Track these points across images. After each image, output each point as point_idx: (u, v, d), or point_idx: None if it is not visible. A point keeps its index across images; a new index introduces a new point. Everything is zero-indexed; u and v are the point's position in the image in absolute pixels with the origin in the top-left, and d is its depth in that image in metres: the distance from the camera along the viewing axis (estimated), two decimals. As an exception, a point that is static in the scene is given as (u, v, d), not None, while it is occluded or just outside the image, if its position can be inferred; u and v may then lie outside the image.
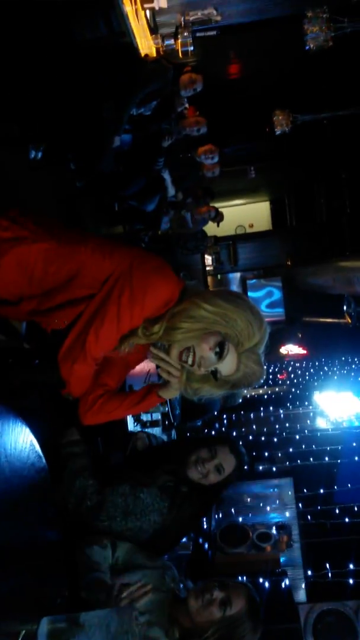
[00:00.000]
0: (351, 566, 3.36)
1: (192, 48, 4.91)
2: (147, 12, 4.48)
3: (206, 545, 3.49)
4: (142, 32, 4.14)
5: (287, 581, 3.23)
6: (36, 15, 2.88)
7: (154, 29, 4.93)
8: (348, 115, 6.85)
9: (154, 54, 4.59)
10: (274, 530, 3.75)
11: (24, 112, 3.04)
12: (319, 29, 5.46)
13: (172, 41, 4.86)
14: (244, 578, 3.14)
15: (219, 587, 1.66)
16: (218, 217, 6.03)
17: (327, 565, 3.46)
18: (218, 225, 6.43)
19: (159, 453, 2.04)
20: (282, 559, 3.68)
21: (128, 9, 3.41)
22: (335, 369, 7.19)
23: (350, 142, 7.79)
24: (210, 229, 6.94)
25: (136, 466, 1.90)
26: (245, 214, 11.85)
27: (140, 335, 1.41)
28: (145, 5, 4.27)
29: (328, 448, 4.50)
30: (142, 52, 3.88)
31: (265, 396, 6.28)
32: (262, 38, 6.64)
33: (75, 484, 1.77)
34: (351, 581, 3.31)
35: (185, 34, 4.88)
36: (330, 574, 3.39)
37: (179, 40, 4.86)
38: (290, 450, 4.62)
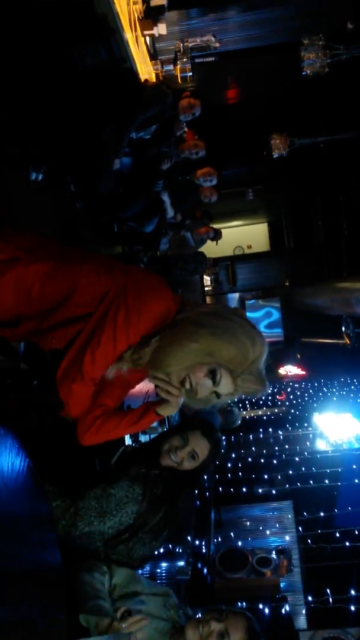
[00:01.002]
0: (352, 592, 3.31)
1: (191, 73, 5.01)
2: (147, 38, 4.58)
3: (205, 570, 3.44)
4: (142, 58, 4.23)
5: (287, 607, 3.17)
6: (38, 40, 2.94)
7: (153, 54, 5.03)
8: (344, 139, 6.96)
9: (154, 79, 4.68)
10: (273, 555, 3.71)
11: (25, 134, 3.08)
12: (315, 56, 5.59)
13: (171, 67, 4.96)
14: (244, 604, 3.08)
15: (217, 619, 1.62)
16: (217, 236, 6.08)
17: (328, 591, 3.40)
18: (217, 244, 6.47)
19: (134, 452, 2.01)
20: (282, 584, 3.63)
21: (128, 35, 3.49)
22: (334, 390, 7.17)
23: (347, 165, 7.89)
24: (209, 249, 6.99)
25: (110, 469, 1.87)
26: (244, 235, 11.95)
27: (127, 360, 1.40)
28: (145, 32, 4.37)
29: (328, 470, 4.46)
30: (142, 77, 3.96)
31: (265, 417, 6.24)
32: (259, 64, 6.79)
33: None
34: (352, 608, 3.25)
35: (184, 59, 4.98)
36: (331, 600, 3.33)
37: (178, 66, 4.95)
38: (290, 472, 4.58)
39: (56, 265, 1.43)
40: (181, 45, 5.19)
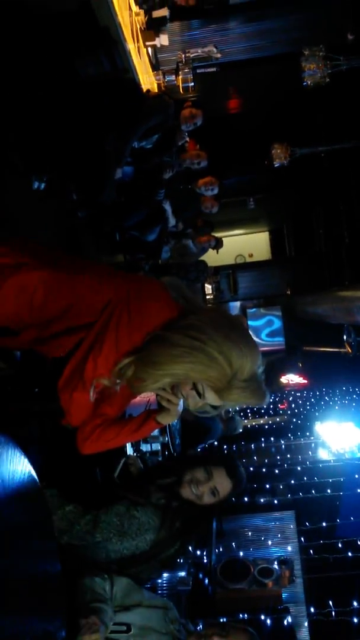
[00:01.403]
0: (355, 604, 3.28)
1: (192, 84, 5.04)
2: (149, 49, 4.62)
3: (206, 581, 3.41)
4: (144, 68, 4.26)
5: (289, 619, 3.14)
6: (42, 51, 2.97)
7: (155, 65, 5.07)
8: (345, 149, 6.99)
9: (156, 90, 4.71)
10: (275, 565, 3.68)
11: (28, 144, 3.10)
12: (316, 67, 5.63)
13: (173, 77, 4.99)
14: (245, 615, 3.06)
15: (219, 634, 1.61)
16: (218, 245, 6.10)
17: (330, 603, 3.37)
18: (217, 252, 6.49)
19: (154, 470, 2.00)
20: (284, 595, 3.60)
21: (131, 46, 3.51)
22: (336, 399, 7.15)
23: (348, 174, 7.92)
24: (210, 258, 7.00)
25: (130, 485, 1.86)
26: (245, 243, 11.98)
27: (114, 374, 1.38)
28: (148, 43, 4.41)
29: (330, 480, 4.44)
30: (144, 87, 3.99)
31: (266, 426, 6.22)
32: (260, 74, 6.84)
33: (57, 514, 1.74)
34: (355, 620, 3.21)
35: (186, 70, 5.01)
36: (334, 613, 3.30)
37: (180, 77, 4.99)
38: (292, 482, 4.56)
39: (59, 273, 1.43)
40: (183, 55, 5.24)
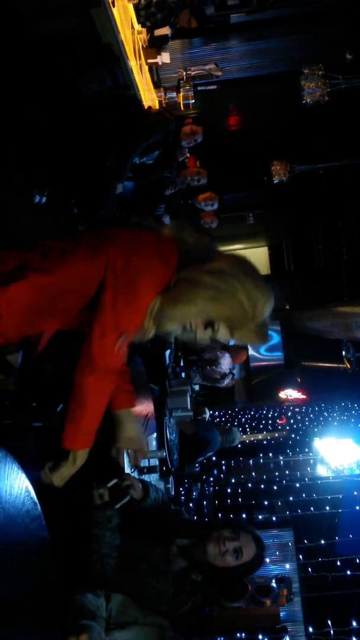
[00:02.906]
0: (354, 623, 3.23)
1: (193, 101, 5.10)
2: (151, 66, 4.68)
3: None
4: (145, 85, 4.31)
5: (287, 638, 3.10)
6: (45, 67, 3.01)
7: (157, 82, 5.13)
8: (343, 166, 7.06)
9: (157, 106, 4.76)
10: (273, 584, 3.63)
11: (29, 159, 3.13)
12: (315, 85, 5.71)
13: (174, 94, 5.04)
14: (243, 634, 3.01)
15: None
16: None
17: (329, 622, 3.32)
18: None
19: (171, 521, 2.01)
20: (282, 614, 3.54)
21: (133, 63, 3.56)
22: (335, 414, 7.12)
23: (346, 191, 7.99)
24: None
25: (146, 533, 1.86)
26: (244, 258, 12.01)
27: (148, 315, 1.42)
28: (150, 61, 4.47)
29: (329, 497, 4.40)
30: (146, 104, 4.03)
31: (265, 442, 6.19)
32: (260, 92, 6.94)
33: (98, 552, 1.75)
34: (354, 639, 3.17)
35: (187, 87, 5.07)
36: (332, 632, 3.26)
37: (181, 94, 5.04)
38: (291, 498, 4.52)
39: (44, 279, 1.42)
40: (184, 73, 5.30)
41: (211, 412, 5.58)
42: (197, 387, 5.04)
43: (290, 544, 4.11)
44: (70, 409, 1.48)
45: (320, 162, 7.23)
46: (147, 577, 1.75)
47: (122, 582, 1.73)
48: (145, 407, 2.77)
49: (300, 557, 3.94)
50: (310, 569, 3.83)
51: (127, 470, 2.13)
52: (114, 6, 2.97)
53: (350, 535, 4.02)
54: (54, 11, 2.85)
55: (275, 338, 10.15)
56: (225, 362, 4.99)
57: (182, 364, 4.64)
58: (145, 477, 2.35)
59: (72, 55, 3.02)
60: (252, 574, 2.04)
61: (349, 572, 3.67)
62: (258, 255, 12.33)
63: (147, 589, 1.73)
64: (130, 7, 3.76)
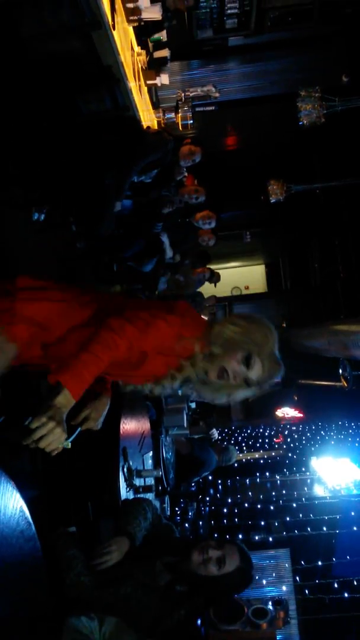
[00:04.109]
0: (352, 647, 3.19)
1: (191, 121, 5.16)
2: (151, 87, 4.75)
3: (199, 621, 3.31)
4: (144, 106, 4.37)
5: (284, 662, 3.04)
6: (46, 87, 3.05)
7: (156, 103, 5.20)
8: (339, 186, 7.13)
9: (156, 127, 4.82)
10: (270, 606, 3.58)
11: (29, 176, 3.16)
12: (312, 107, 5.79)
13: (172, 115, 5.11)
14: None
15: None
16: (214, 278, 6.16)
17: (327, 646, 3.28)
18: (215, 286, 6.55)
19: (161, 537, 2.02)
20: (278, 637, 3.49)
21: (132, 84, 3.61)
22: (332, 433, 7.09)
23: (342, 210, 8.06)
24: (208, 289, 7.06)
25: (135, 557, 1.86)
26: (242, 276, 12.06)
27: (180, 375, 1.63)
28: (149, 82, 4.53)
29: (326, 517, 4.36)
30: (145, 124, 4.08)
31: (261, 461, 6.15)
32: (258, 113, 7.04)
33: (70, 576, 1.73)
34: (352, 664, 3.12)
35: (186, 108, 5.14)
36: (330, 656, 3.21)
37: (180, 114, 5.11)
38: (287, 519, 4.48)
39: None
40: (182, 94, 5.38)
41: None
42: (193, 405, 5.02)
43: (287, 565, 4.06)
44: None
45: (316, 182, 7.30)
46: (133, 593, 1.74)
47: (108, 600, 1.71)
48: (141, 425, 2.76)
49: (297, 578, 3.89)
50: (307, 591, 3.78)
51: (123, 492, 2.11)
52: (114, 29, 3.03)
53: (348, 557, 3.97)
54: (55, 33, 2.90)
55: (272, 356, 10.13)
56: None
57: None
58: (141, 496, 2.33)
59: (72, 76, 3.07)
60: (239, 591, 2.03)
61: (346, 595, 3.62)
62: (255, 273, 12.37)
63: (133, 605, 1.72)
64: (130, 29, 3.83)
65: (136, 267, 4.37)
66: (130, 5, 3.58)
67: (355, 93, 5.92)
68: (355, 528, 4.23)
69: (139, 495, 2.37)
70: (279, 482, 5.37)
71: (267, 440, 7.00)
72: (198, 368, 1.60)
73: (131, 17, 3.64)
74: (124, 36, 3.50)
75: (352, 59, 6.81)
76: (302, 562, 3.97)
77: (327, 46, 6.92)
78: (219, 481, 5.26)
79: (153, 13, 3.78)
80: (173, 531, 2.20)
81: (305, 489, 5.28)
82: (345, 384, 7.78)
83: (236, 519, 4.60)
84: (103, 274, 4.38)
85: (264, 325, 1.66)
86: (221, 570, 1.84)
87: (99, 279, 4.26)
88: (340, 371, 7.84)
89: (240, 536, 4.21)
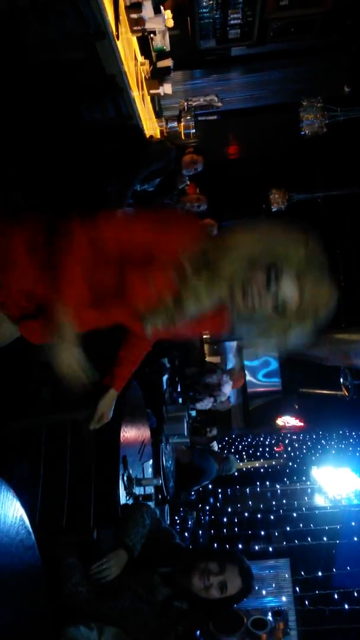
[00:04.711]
0: (352, 660, 3.16)
1: (194, 130, 5.19)
2: (153, 97, 4.78)
3: (197, 633, 3.28)
4: (147, 115, 4.40)
5: (284, 674, 3.01)
6: (51, 96, 3.07)
7: (159, 112, 5.24)
8: (341, 195, 7.15)
9: (158, 135, 4.85)
10: (269, 617, 3.55)
11: (31, 183, 3.18)
12: (314, 117, 5.82)
13: (175, 124, 5.14)
14: (238, 670, 2.92)
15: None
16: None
17: (327, 658, 3.25)
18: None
19: (160, 545, 1.99)
20: (278, 649, 3.45)
21: (135, 94, 3.64)
22: (332, 442, 7.07)
23: (344, 220, 8.08)
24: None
25: (132, 572, 1.84)
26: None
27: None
28: (152, 91, 4.57)
29: (327, 527, 4.34)
30: (147, 133, 4.11)
31: (262, 469, 6.12)
32: (260, 123, 7.07)
33: (68, 585, 1.72)
34: None
35: (188, 117, 5.17)
36: (330, 668, 3.18)
37: (182, 123, 5.14)
38: (288, 529, 4.45)
39: None
40: (185, 103, 5.42)
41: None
42: (193, 413, 5.01)
43: (287, 575, 4.03)
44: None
45: (318, 191, 7.32)
46: (130, 607, 1.72)
47: (105, 612, 1.70)
48: (141, 433, 2.75)
49: (297, 589, 3.86)
50: (307, 602, 3.75)
51: (123, 500, 2.10)
52: (118, 39, 3.05)
53: (348, 567, 3.95)
54: (60, 42, 2.93)
55: (273, 364, 10.13)
56: (227, 388, 4.97)
57: (179, 389, 4.62)
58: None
59: (76, 84, 3.09)
60: (239, 603, 2.01)
61: (346, 606, 3.59)
62: (256, 281, 12.38)
63: (131, 619, 1.71)
64: (134, 39, 3.87)
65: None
66: (134, 15, 3.62)
67: (357, 103, 5.96)
68: (355, 538, 4.20)
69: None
70: (279, 491, 5.35)
71: (267, 449, 6.97)
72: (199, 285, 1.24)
73: (135, 27, 3.68)
74: (127, 46, 3.53)
75: (353, 69, 6.85)
76: (302, 573, 3.94)
77: (329, 56, 6.96)
78: (219, 490, 5.24)
79: (157, 23, 3.82)
80: (173, 536, 2.18)
81: (306, 498, 5.25)
82: (346, 393, 7.76)
83: (236, 529, 4.57)
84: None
85: (289, 232, 1.29)
86: (223, 594, 1.81)
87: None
88: (341, 380, 7.82)
89: (240, 546, 4.19)
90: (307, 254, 1.27)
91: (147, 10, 3.64)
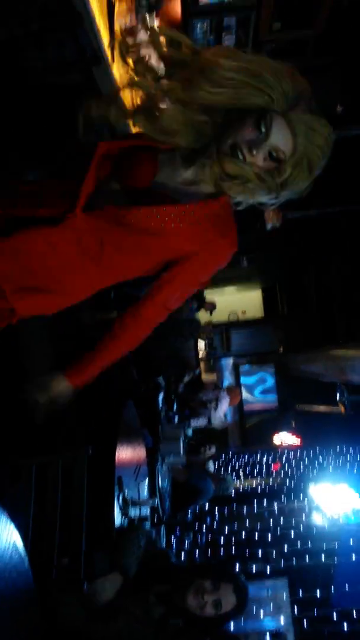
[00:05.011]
0: None
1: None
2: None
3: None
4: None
5: None
6: (46, 119, 3.12)
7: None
8: (335, 212, 7.23)
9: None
10: (268, 639, 3.51)
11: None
12: (308, 136, 5.91)
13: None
14: None
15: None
16: (211, 307, 6.22)
17: None
18: (211, 314, 6.60)
19: (154, 570, 1.99)
20: (277, 672, 3.41)
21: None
22: (329, 459, 7.04)
23: (339, 236, 8.16)
24: (205, 315, 7.09)
25: (128, 591, 1.84)
26: (238, 301, 12.10)
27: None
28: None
29: (324, 546, 4.30)
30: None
31: (259, 489, 6.08)
32: (254, 143, 7.15)
33: (62, 610, 1.70)
34: None
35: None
36: None
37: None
38: (285, 548, 4.41)
39: None
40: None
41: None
42: (190, 432, 5.00)
43: (285, 595, 3.99)
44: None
45: (311, 209, 7.40)
46: (126, 628, 1.71)
47: (101, 634, 1.69)
48: (137, 453, 2.74)
49: (295, 609, 3.82)
50: (305, 622, 3.71)
51: (118, 522, 2.09)
52: (114, 61, 3.11)
53: (347, 587, 3.91)
54: (56, 66, 2.98)
55: (269, 381, 10.12)
56: (225, 403, 4.96)
57: (175, 408, 4.61)
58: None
59: (72, 108, 3.14)
60: (234, 619, 2.02)
61: (345, 627, 3.55)
62: (252, 298, 12.43)
63: (127, 639, 1.70)
64: (131, 63, 3.93)
65: (132, 291, 4.39)
66: (130, 40, 3.69)
67: (350, 122, 6.03)
68: (354, 557, 4.17)
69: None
70: (276, 510, 5.31)
71: (264, 467, 6.94)
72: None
73: (131, 51, 3.74)
74: (123, 69, 3.60)
75: (346, 89, 6.97)
76: (300, 592, 3.90)
77: (322, 77, 7.08)
78: (216, 509, 5.20)
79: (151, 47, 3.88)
80: (169, 557, 2.17)
81: (304, 516, 5.21)
82: (343, 409, 7.76)
83: (233, 548, 4.53)
84: (100, 301, 4.40)
85: (275, 63, 1.14)
86: (218, 612, 1.82)
87: (97, 307, 4.29)
88: (338, 396, 7.83)
89: (237, 565, 4.15)
90: (294, 86, 1.18)
91: (142, 35, 3.71)
